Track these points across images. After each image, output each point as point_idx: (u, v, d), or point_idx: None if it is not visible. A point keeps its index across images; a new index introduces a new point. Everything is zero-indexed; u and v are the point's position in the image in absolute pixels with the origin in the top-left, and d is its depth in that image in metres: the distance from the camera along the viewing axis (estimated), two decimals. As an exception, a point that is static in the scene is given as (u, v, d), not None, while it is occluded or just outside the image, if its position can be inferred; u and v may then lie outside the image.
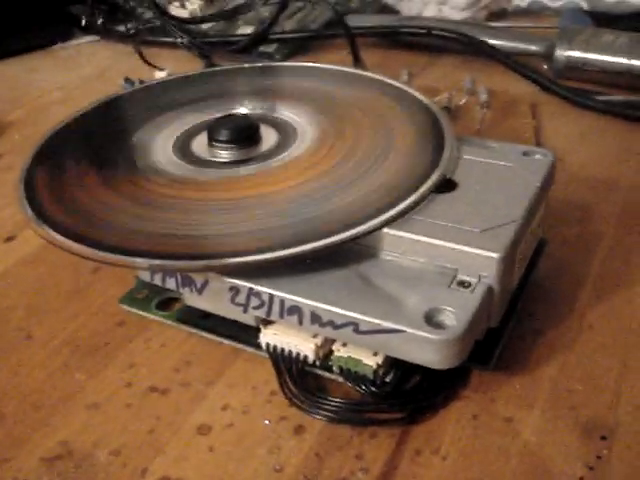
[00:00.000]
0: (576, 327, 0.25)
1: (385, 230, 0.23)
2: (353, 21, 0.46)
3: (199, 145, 0.28)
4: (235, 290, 0.23)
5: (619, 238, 0.30)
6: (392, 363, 0.22)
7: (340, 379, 0.23)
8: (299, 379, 0.23)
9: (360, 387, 0.22)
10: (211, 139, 0.27)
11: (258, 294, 0.22)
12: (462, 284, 0.22)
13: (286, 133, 0.28)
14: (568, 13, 0.51)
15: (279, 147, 0.27)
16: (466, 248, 0.22)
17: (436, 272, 0.22)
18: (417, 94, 0.29)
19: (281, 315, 0.22)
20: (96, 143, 0.29)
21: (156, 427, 0.22)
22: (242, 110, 0.31)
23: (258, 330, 0.24)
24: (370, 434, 0.22)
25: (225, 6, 0.53)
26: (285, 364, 0.23)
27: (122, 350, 0.25)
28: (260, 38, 0.48)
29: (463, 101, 0.39)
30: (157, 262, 0.22)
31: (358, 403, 0.22)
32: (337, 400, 0.22)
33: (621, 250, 0.29)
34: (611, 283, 0.28)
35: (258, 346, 0.24)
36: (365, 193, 0.24)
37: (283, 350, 0.23)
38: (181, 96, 0.32)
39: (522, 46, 0.46)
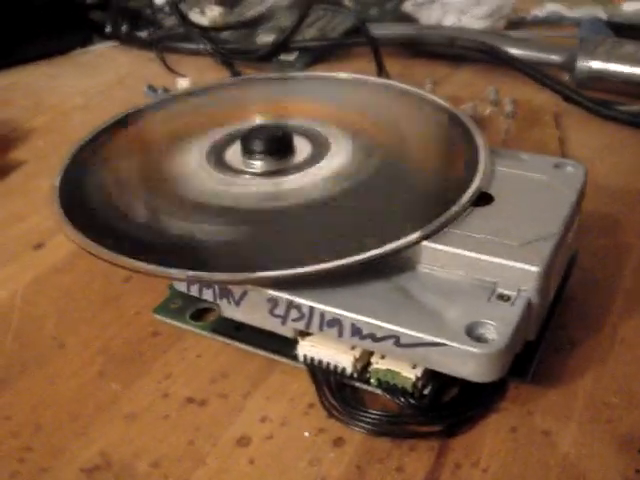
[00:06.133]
0: (609, 340, 0.25)
1: (424, 243, 0.23)
2: (374, 30, 0.46)
3: (233, 155, 0.28)
4: (274, 302, 0.23)
5: (648, 249, 0.30)
6: (430, 376, 0.22)
7: (377, 391, 0.23)
8: (337, 391, 0.23)
9: (399, 399, 0.22)
10: (246, 149, 0.27)
11: (298, 306, 0.22)
12: (502, 297, 0.22)
13: (319, 144, 0.28)
14: (587, 23, 0.51)
15: (313, 158, 0.27)
16: (506, 262, 0.22)
17: (475, 285, 0.22)
18: (449, 106, 0.29)
19: (321, 327, 0.22)
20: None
21: (195, 439, 0.22)
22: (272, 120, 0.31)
23: (294, 342, 0.24)
24: (409, 447, 0.22)
25: (244, 13, 0.54)
26: (323, 376, 0.23)
27: (157, 360, 0.25)
28: (281, 46, 0.48)
29: (488, 111, 0.39)
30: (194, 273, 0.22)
31: (397, 415, 0.22)
32: (376, 412, 0.22)
33: (651, 262, 0.29)
34: (642, 295, 0.28)
35: (294, 357, 0.24)
36: (402, 206, 0.24)
37: (321, 362, 0.23)
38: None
39: (543, 56, 0.46)
